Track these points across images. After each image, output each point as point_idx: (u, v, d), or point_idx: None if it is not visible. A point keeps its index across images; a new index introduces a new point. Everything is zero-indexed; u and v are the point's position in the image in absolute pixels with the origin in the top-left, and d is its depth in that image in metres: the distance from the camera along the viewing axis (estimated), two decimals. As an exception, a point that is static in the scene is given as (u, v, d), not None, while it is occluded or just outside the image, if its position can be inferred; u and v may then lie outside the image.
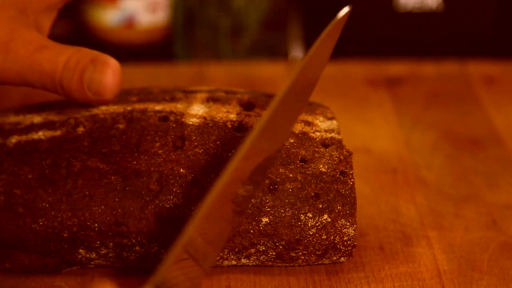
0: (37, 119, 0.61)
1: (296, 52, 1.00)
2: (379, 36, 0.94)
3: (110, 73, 0.55)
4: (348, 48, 0.95)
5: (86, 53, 0.55)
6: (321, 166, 0.59)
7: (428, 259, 0.61)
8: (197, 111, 0.61)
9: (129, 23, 0.92)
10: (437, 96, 0.83)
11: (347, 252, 0.59)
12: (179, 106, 0.61)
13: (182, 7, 0.96)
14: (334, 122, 0.62)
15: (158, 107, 0.61)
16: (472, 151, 0.75)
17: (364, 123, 0.78)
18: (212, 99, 0.62)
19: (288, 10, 0.98)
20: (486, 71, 0.87)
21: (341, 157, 0.59)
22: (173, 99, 0.62)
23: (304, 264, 0.59)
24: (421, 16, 0.92)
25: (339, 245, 0.58)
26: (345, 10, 0.56)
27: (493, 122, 0.79)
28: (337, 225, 0.58)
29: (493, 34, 0.94)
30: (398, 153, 0.74)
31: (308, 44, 1.00)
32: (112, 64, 0.56)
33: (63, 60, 0.55)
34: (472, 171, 0.72)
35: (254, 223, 0.57)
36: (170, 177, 0.58)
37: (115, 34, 0.93)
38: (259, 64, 0.87)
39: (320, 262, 0.59)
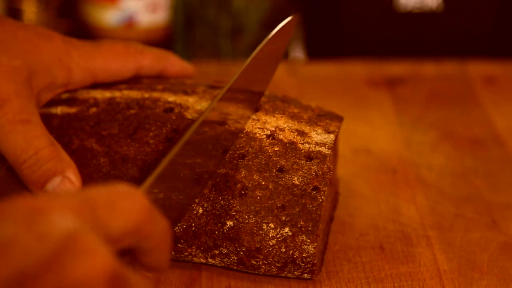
0: (64, 95, 0.63)
1: (296, 52, 1.00)
2: (379, 36, 0.94)
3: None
4: (348, 48, 0.95)
5: (61, 158, 0.56)
6: (296, 179, 0.57)
7: (428, 259, 0.61)
8: (202, 106, 0.61)
9: (129, 23, 0.92)
10: (437, 96, 0.83)
11: (308, 269, 0.57)
12: (190, 100, 0.62)
13: (182, 7, 0.96)
14: (331, 136, 0.60)
15: (171, 98, 0.62)
16: (472, 151, 0.75)
17: (364, 123, 0.78)
18: None
19: (288, 10, 0.98)
20: (486, 71, 0.87)
21: (319, 172, 0.58)
22: (192, 92, 0.63)
23: (268, 274, 0.58)
24: (421, 16, 0.92)
25: (298, 261, 0.57)
26: (289, 18, 0.61)
27: (493, 122, 0.79)
28: (297, 240, 0.56)
29: (493, 34, 0.94)
30: (398, 153, 0.74)
31: (308, 44, 1.00)
32: (76, 181, 0.56)
33: (37, 146, 0.56)
34: (472, 171, 0.72)
35: (220, 224, 0.57)
36: (152, 167, 0.58)
37: (115, 34, 0.93)
38: (259, 64, 0.86)
39: (283, 275, 0.58)
